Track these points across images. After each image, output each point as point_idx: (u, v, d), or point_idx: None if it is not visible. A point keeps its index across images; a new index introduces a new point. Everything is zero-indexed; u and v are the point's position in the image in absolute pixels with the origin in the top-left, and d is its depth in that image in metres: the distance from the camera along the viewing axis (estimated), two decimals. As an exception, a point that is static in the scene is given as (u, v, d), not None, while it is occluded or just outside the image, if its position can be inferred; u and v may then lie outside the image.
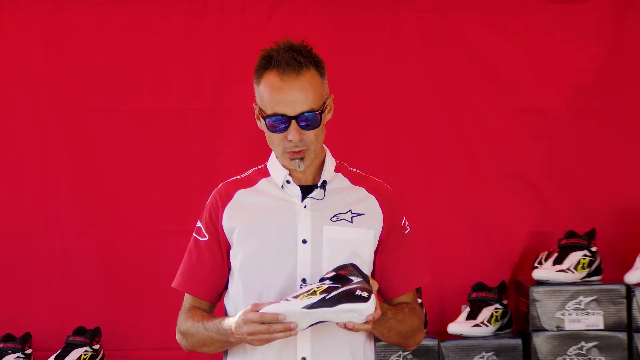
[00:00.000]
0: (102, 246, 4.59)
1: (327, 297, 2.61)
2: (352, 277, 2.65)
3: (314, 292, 2.63)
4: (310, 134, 2.80)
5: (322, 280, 2.67)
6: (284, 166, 2.88)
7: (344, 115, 4.39)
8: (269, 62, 2.81)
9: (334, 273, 2.66)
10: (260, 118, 2.83)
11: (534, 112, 4.66)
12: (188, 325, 2.87)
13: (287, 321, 2.62)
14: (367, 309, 2.62)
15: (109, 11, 4.61)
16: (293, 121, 2.78)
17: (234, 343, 2.78)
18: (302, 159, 2.82)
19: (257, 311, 2.65)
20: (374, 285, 2.71)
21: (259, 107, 2.83)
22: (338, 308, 2.61)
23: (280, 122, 2.79)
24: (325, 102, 2.84)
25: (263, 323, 2.64)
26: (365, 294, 2.62)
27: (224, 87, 4.63)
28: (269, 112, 2.80)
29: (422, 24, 4.66)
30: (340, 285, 2.63)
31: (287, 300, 2.65)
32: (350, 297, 2.61)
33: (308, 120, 2.79)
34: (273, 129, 2.80)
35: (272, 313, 2.62)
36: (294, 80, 2.79)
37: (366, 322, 2.65)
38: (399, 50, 4.66)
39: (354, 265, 2.68)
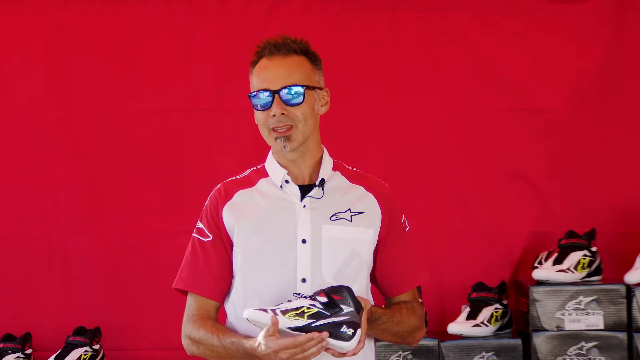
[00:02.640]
0: (102, 246, 4.59)
1: (312, 325, 2.62)
2: (343, 306, 2.65)
3: (302, 314, 2.63)
4: (295, 111, 2.81)
5: (313, 298, 2.67)
6: (281, 165, 2.88)
7: (344, 114, 4.41)
8: (260, 51, 2.85)
9: (326, 298, 2.65)
10: (250, 99, 2.84)
11: (534, 112, 4.66)
12: (200, 335, 2.83)
13: (319, 336, 2.61)
14: (348, 347, 2.64)
15: (109, 11, 4.61)
16: (276, 95, 2.80)
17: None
18: (287, 138, 2.82)
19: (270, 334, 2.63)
20: (365, 306, 2.70)
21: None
22: None
23: (263, 97, 2.81)
24: (314, 87, 2.84)
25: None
26: (350, 332, 2.63)
27: (224, 87, 4.63)
28: (254, 90, 2.83)
29: (422, 23, 4.66)
30: (330, 314, 2.64)
31: (275, 312, 2.64)
32: (336, 331, 2.62)
33: (291, 94, 2.80)
34: (257, 105, 2.82)
35: (305, 335, 2.60)
36: (280, 60, 2.83)
37: (344, 354, 2.66)
38: (399, 50, 4.66)
39: (348, 290, 2.67)
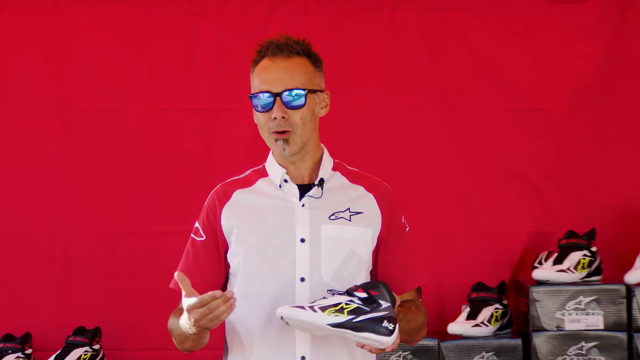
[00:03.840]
0: (102, 246, 4.59)
1: (354, 320, 2.62)
2: (381, 301, 2.65)
3: (342, 309, 2.63)
4: (295, 115, 2.80)
5: (350, 294, 2.67)
6: (280, 165, 2.88)
7: (344, 114, 4.41)
8: (262, 51, 2.85)
9: (365, 294, 2.65)
10: (250, 100, 2.84)
11: (534, 112, 4.66)
12: (172, 323, 2.85)
13: (223, 293, 2.60)
14: (389, 341, 2.64)
15: (109, 11, 4.61)
16: (277, 98, 2.80)
17: (201, 335, 2.73)
18: (286, 141, 2.82)
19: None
20: (398, 301, 2.71)
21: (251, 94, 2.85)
22: (362, 335, 2.63)
23: (265, 99, 2.80)
24: (316, 89, 2.84)
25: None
26: (391, 327, 2.63)
27: (224, 87, 4.63)
28: (255, 91, 2.83)
29: (422, 23, 4.66)
30: (369, 309, 2.64)
31: (312, 309, 2.64)
32: (377, 326, 2.62)
33: (292, 98, 2.80)
34: (258, 106, 2.82)
35: (210, 294, 2.59)
36: (282, 62, 2.82)
37: (382, 349, 2.66)
38: (399, 50, 4.66)
39: (384, 285, 2.68)
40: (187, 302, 2.65)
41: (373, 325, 2.62)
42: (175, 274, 2.71)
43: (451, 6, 4.65)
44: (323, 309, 2.64)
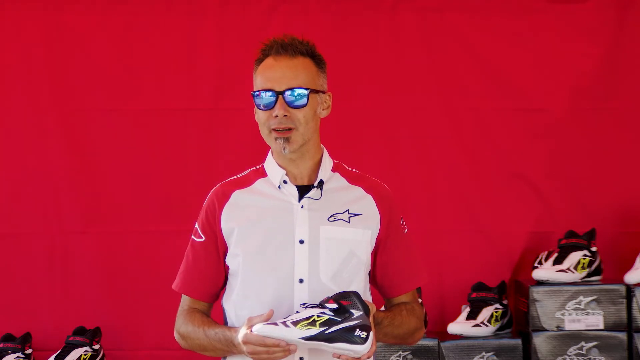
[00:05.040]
0: (102, 246, 4.60)
1: (326, 332, 2.63)
2: (353, 311, 2.65)
3: (314, 322, 2.64)
4: (297, 114, 2.80)
5: (322, 306, 2.68)
6: (280, 165, 2.88)
7: (344, 114, 4.40)
8: (266, 50, 2.85)
9: (335, 305, 2.66)
10: (253, 97, 2.84)
11: (534, 112, 4.66)
12: (188, 329, 2.88)
13: (288, 345, 2.64)
14: (363, 350, 2.64)
15: (109, 11, 4.61)
16: (280, 97, 2.79)
17: (236, 354, 2.79)
18: (287, 139, 2.82)
19: (252, 325, 2.67)
20: (372, 309, 2.71)
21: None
22: (335, 345, 2.64)
23: (267, 97, 2.80)
24: (318, 90, 2.84)
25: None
26: (364, 335, 2.64)
27: (224, 87, 4.63)
28: (258, 89, 2.83)
29: (422, 24, 4.66)
30: (341, 319, 2.64)
31: (285, 324, 2.65)
32: (349, 336, 2.63)
33: (295, 97, 2.80)
34: (260, 104, 2.81)
35: (275, 339, 2.63)
36: (286, 61, 2.82)
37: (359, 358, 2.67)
38: (399, 50, 4.66)
39: (356, 294, 2.68)
40: (248, 336, 2.67)
41: (346, 335, 2.63)
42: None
43: (451, 6, 4.65)
44: (295, 323, 2.65)
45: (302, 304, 2.74)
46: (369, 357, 2.67)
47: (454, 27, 4.66)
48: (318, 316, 2.65)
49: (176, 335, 2.92)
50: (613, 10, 4.64)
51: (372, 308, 2.72)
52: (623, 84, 4.65)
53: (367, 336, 2.64)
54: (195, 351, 2.90)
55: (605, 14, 4.64)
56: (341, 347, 2.63)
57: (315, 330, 2.63)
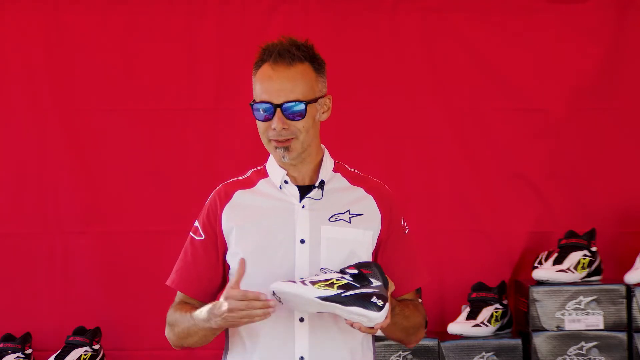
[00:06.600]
0: (102, 246, 4.60)
1: (343, 294, 2.64)
2: (372, 279, 2.66)
3: (332, 284, 2.65)
4: (297, 124, 2.80)
5: (342, 272, 2.68)
6: (281, 166, 2.88)
7: (344, 115, 4.39)
8: (264, 55, 2.84)
9: (356, 270, 2.67)
10: (251, 108, 2.84)
11: (534, 112, 4.66)
12: (176, 317, 2.87)
13: (268, 299, 2.65)
14: (378, 318, 2.64)
15: (109, 11, 4.61)
16: (278, 110, 2.79)
17: (216, 331, 2.77)
18: (286, 148, 2.82)
19: (229, 291, 2.67)
20: (391, 287, 2.72)
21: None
22: (350, 309, 2.64)
23: (265, 110, 2.80)
24: (317, 97, 2.84)
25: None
26: (380, 303, 2.64)
27: (224, 87, 4.63)
28: (257, 100, 2.82)
29: (423, 23, 4.66)
30: (359, 285, 2.65)
31: (303, 283, 2.66)
32: (366, 301, 2.63)
33: (292, 110, 2.79)
34: (259, 116, 2.81)
35: (255, 292, 2.64)
36: (284, 70, 2.81)
37: (372, 328, 2.66)
38: (399, 50, 4.66)
39: (377, 266, 2.69)
40: (229, 291, 2.67)
41: (362, 301, 2.63)
42: (239, 259, 2.73)
43: (451, 6, 4.65)
44: (313, 283, 2.66)
45: (322, 268, 2.76)
46: (382, 327, 2.67)
47: (454, 27, 4.66)
48: (337, 279, 2.66)
49: (166, 330, 2.90)
50: (613, 10, 4.64)
51: (392, 285, 2.72)
52: (623, 84, 4.65)
53: (384, 305, 2.64)
54: (181, 342, 2.86)
55: (605, 14, 4.64)
56: (356, 311, 2.63)
57: (332, 291, 2.64)
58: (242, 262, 2.72)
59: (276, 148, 2.83)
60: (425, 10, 4.65)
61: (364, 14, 4.65)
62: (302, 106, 2.80)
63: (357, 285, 2.65)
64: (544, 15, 4.65)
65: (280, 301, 2.69)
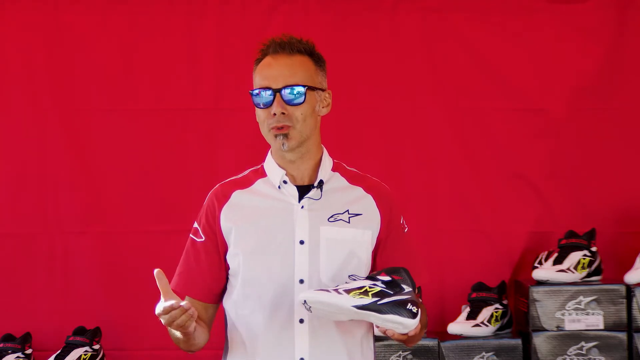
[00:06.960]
0: (102, 246, 4.60)
1: (379, 303, 2.63)
2: (404, 286, 2.66)
3: (366, 292, 2.64)
4: (295, 111, 2.81)
5: (373, 279, 2.68)
6: (280, 165, 2.88)
7: (344, 115, 4.41)
8: (265, 50, 2.86)
9: (388, 277, 2.66)
10: (251, 96, 2.85)
11: (534, 112, 4.66)
12: None
13: (184, 308, 2.63)
14: (413, 324, 2.65)
15: (109, 11, 4.61)
16: (277, 94, 2.80)
17: (190, 339, 2.77)
18: (285, 136, 2.82)
19: (167, 301, 2.64)
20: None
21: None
22: (386, 317, 2.63)
23: (265, 95, 2.81)
24: (317, 88, 2.85)
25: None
26: (415, 309, 2.64)
27: (224, 87, 4.63)
28: (256, 87, 2.84)
29: (423, 23, 4.66)
30: (393, 292, 2.65)
31: (337, 291, 2.64)
32: (401, 309, 2.63)
33: (292, 94, 2.80)
34: (258, 103, 2.82)
35: (169, 304, 2.61)
36: (284, 59, 2.83)
37: (405, 334, 2.67)
38: (399, 50, 4.66)
39: (405, 271, 2.69)
40: (160, 305, 2.66)
41: (397, 308, 2.63)
42: (155, 271, 2.69)
43: (451, 6, 4.65)
44: (348, 291, 2.64)
45: (351, 275, 2.76)
46: (414, 334, 2.68)
47: (454, 27, 4.66)
48: (370, 287, 2.65)
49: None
50: (613, 10, 4.64)
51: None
52: (623, 84, 4.65)
53: (418, 311, 2.65)
54: (181, 346, 2.86)
55: (605, 14, 4.64)
56: (392, 319, 2.63)
57: (367, 299, 2.63)
58: (159, 273, 2.67)
59: (276, 136, 2.83)
60: (425, 10, 4.65)
61: (364, 14, 4.66)
62: (301, 89, 2.81)
63: (390, 293, 2.65)
64: (544, 15, 4.65)
65: (309, 310, 2.68)
